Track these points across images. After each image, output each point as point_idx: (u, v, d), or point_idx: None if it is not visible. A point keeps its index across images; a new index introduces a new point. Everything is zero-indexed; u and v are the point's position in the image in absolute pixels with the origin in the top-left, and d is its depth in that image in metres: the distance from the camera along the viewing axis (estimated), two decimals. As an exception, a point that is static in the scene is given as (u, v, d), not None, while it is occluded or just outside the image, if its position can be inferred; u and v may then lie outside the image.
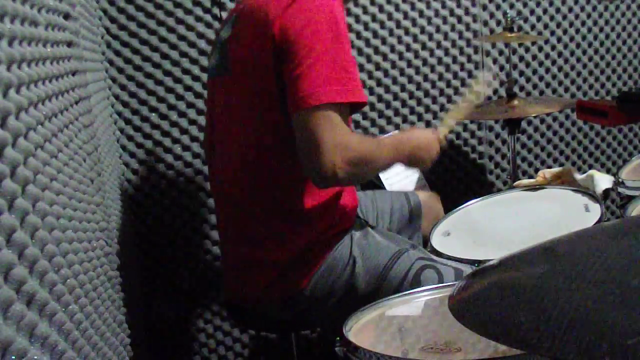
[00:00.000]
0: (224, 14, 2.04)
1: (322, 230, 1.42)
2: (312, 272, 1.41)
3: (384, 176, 1.99)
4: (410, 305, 1.22)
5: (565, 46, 2.53)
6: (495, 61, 2.42)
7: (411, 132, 1.55)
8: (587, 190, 1.57)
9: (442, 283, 1.37)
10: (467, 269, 1.40)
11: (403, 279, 1.39)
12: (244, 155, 1.42)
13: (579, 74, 2.57)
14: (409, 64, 2.30)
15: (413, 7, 2.27)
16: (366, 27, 2.22)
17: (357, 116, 2.24)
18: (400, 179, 2.04)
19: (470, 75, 2.38)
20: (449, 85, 2.35)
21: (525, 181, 1.90)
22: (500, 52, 2.41)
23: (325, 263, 1.41)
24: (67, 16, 1.13)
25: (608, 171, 2.63)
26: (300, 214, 1.41)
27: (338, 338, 1.05)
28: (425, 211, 1.80)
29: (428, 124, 2.34)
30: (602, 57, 2.60)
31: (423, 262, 1.41)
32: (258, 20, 1.33)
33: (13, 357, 0.56)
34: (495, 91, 2.43)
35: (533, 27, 2.46)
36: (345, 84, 1.27)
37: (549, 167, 2.55)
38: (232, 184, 1.47)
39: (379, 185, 1.98)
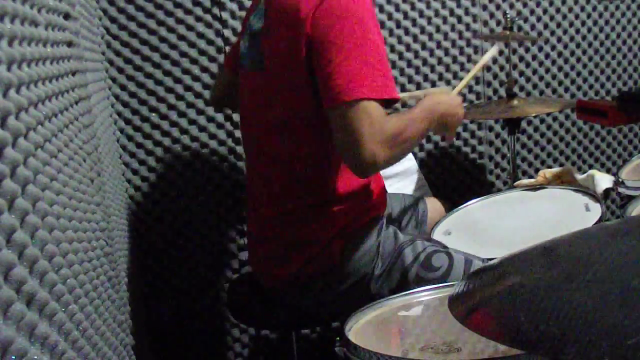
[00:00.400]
0: (224, 14, 2.04)
1: (356, 213, 1.46)
2: (344, 251, 1.45)
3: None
4: (410, 306, 1.22)
5: (565, 46, 2.53)
6: (495, 61, 2.42)
7: (438, 97, 1.56)
8: (587, 190, 1.57)
9: (453, 267, 1.40)
10: (477, 261, 1.40)
11: (415, 258, 1.43)
12: (281, 145, 1.46)
13: (579, 74, 2.57)
14: (409, 64, 2.30)
15: (413, 7, 2.27)
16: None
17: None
18: (400, 179, 2.04)
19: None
20: (448, 85, 2.35)
21: (525, 181, 1.90)
22: (500, 52, 2.41)
23: (354, 244, 1.45)
24: (67, 16, 1.13)
25: (608, 171, 2.63)
26: (336, 199, 1.45)
27: (338, 338, 1.05)
28: (429, 217, 1.83)
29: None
30: (602, 57, 2.59)
31: (435, 247, 1.46)
32: (290, 17, 1.36)
33: (13, 357, 0.56)
34: (496, 91, 2.44)
35: (533, 27, 2.46)
36: (375, 80, 1.30)
37: (549, 167, 2.55)
38: (270, 171, 1.51)
39: None
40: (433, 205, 1.88)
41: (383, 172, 1.98)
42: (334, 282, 1.47)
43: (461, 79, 2.37)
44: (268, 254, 1.56)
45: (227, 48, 2.04)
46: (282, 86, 1.42)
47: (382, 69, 1.33)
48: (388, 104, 1.36)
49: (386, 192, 1.61)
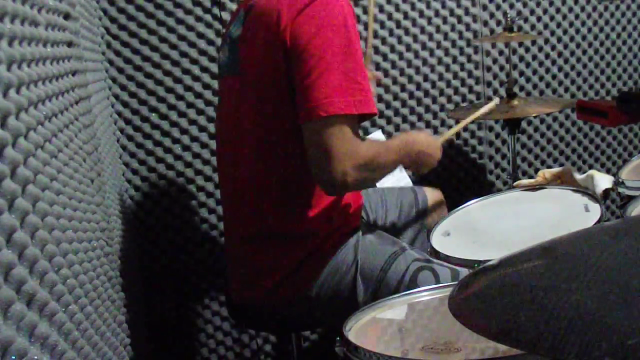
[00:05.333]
0: (224, 14, 2.04)
1: (328, 233, 1.43)
2: (318, 274, 1.41)
3: None
4: (410, 306, 1.22)
5: (565, 46, 2.53)
6: (495, 61, 2.42)
7: (417, 135, 1.55)
8: (587, 190, 1.57)
9: (439, 284, 1.37)
10: (464, 271, 1.39)
11: (400, 282, 1.39)
12: (252, 157, 1.42)
13: (579, 74, 2.57)
14: (409, 64, 2.30)
15: (413, 7, 2.27)
16: (366, 27, 2.22)
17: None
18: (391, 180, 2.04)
19: (470, 75, 2.38)
20: (449, 85, 2.35)
21: (525, 181, 1.90)
22: (500, 52, 2.41)
23: (330, 265, 1.41)
24: (67, 16, 1.14)
25: (608, 171, 2.63)
26: (306, 216, 1.41)
27: (338, 338, 1.05)
28: (430, 207, 1.81)
29: (428, 124, 2.34)
30: (602, 57, 2.59)
31: (419, 264, 1.42)
32: (270, 24, 1.31)
33: (13, 357, 0.56)
34: (496, 91, 2.44)
35: (533, 27, 2.46)
36: (354, 95, 1.27)
37: (549, 167, 2.55)
38: (239, 184, 1.47)
39: None
40: (433, 195, 1.85)
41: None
42: (309, 311, 1.43)
43: (462, 79, 2.37)
44: (236, 274, 1.52)
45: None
46: (254, 93, 1.38)
47: (362, 83, 1.29)
48: (365, 117, 1.34)
49: (361, 204, 1.56)
